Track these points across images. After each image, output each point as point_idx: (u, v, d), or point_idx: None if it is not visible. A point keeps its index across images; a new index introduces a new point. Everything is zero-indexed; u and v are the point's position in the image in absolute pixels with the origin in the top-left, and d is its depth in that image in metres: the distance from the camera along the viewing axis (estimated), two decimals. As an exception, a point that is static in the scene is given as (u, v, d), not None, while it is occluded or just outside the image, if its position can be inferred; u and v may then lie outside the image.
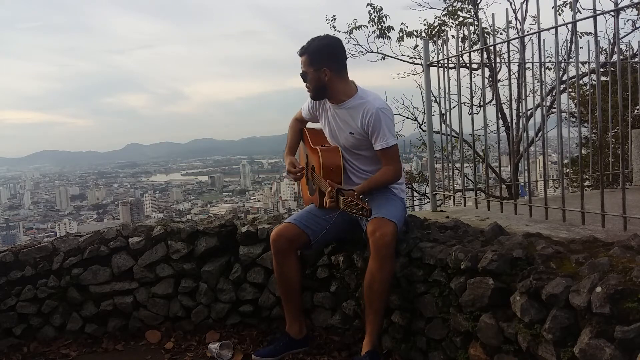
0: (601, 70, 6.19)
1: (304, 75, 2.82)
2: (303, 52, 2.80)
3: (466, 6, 8.54)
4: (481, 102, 5.46)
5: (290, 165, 2.98)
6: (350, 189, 2.51)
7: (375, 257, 2.47)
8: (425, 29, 8.40)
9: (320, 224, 2.82)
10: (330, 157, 2.81)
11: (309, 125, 3.19)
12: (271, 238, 2.81)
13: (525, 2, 6.80)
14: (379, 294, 2.50)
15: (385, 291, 2.52)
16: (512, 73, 3.63)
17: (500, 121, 4.58)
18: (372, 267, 2.49)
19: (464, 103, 3.93)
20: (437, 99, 4.00)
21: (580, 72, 3.38)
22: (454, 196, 3.98)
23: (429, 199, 4.36)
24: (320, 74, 2.75)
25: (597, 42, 2.81)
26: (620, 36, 6.17)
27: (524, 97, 5.64)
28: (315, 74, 2.76)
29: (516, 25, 6.31)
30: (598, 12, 2.68)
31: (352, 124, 2.79)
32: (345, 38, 8.60)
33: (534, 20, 3.84)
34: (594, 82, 6.81)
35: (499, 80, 5.87)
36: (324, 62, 2.75)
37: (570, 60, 6.68)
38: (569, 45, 7.25)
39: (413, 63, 8.60)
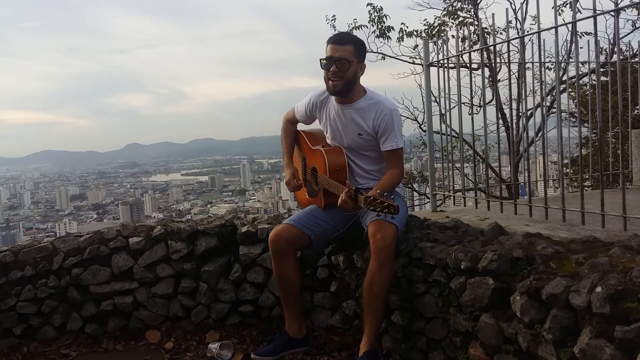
0: (601, 70, 6.19)
1: (344, 64, 2.62)
2: (349, 40, 2.70)
3: (466, 6, 8.56)
4: (481, 102, 5.47)
5: (292, 176, 2.97)
6: (368, 189, 2.52)
7: (376, 259, 2.47)
8: (425, 29, 8.42)
9: (321, 225, 2.82)
10: (335, 158, 2.80)
11: (300, 127, 3.14)
12: (269, 239, 2.81)
13: (525, 2, 6.81)
14: (378, 295, 2.49)
15: (385, 293, 2.52)
16: (512, 73, 3.62)
17: (500, 121, 4.57)
18: (372, 269, 2.49)
19: (464, 103, 3.93)
20: (437, 99, 4.00)
21: (580, 72, 3.38)
22: (454, 196, 3.98)
23: (429, 199, 4.36)
24: (359, 69, 2.73)
25: (597, 42, 2.81)
26: (620, 36, 6.19)
27: (524, 97, 5.66)
28: (357, 66, 2.71)
29: (516, 25, 6.31)
30: (598, 12, 2.68)
31: (363, 125, 2.76)
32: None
33: (534, 20, 3.85)
34: (594, 82, 6.81)
35: (499, 80, 5.87)
36: (363, 58, 2.74)
37: (570, 60, 6.69)
38: (569, 45, 7.27)
39: (413, 63, 8.62)
